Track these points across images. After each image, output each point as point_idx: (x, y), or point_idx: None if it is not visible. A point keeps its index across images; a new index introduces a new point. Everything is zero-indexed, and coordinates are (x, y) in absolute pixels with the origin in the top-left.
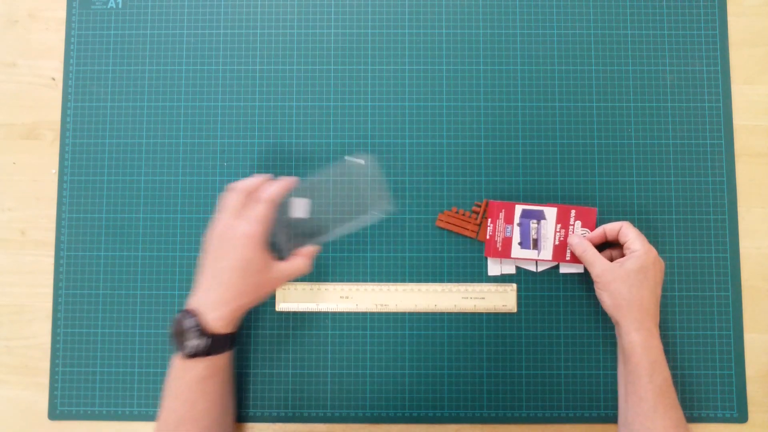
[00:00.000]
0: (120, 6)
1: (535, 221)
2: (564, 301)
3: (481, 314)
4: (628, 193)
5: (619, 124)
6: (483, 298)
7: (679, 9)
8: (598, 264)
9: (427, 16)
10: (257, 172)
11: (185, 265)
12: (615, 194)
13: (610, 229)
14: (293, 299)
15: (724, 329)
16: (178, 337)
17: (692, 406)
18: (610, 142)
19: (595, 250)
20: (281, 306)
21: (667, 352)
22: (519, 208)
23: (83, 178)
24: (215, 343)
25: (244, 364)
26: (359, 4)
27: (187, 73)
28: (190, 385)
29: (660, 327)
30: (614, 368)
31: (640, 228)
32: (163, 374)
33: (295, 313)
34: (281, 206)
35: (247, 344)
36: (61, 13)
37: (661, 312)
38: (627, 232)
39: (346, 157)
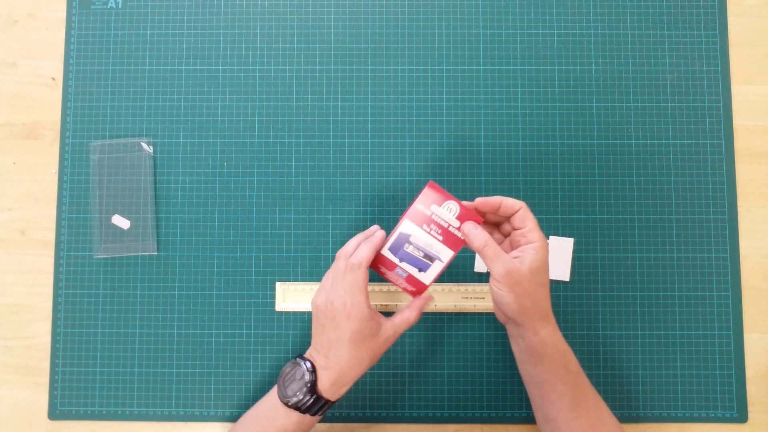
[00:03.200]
0: (120, 6)
1: (407, 244)
2: (564, 301)
3: (481, 314)
4: (628, 193)
5: (619, 124)
6: (483, 298)
7: (679, 9)
8: (500, 262)
9: (427, 16)
10: (257, 172)
11: (185, 264)
12: (615, 194)
13: (507, 206)
14: (293, 299)
15: (724, 329)
16: (288, 380)
17: (692, 406)
18: (610, 142)
19: (496, 245)
20: (281, 306)
21: (667, 351)
22: (386, 252)
23: (83, 178)
24: (317, 405)
25: (244, 364)
26: (359, 4)
27: (187, 73)
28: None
29: (660, 327)
30: (614, 368)
31: (641, 228)
32: (162, 374)
33: (295, 313)
34: None
35: (247, 344)
36: (61, 13)
37: (661, 312)
38: (526, 217)
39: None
